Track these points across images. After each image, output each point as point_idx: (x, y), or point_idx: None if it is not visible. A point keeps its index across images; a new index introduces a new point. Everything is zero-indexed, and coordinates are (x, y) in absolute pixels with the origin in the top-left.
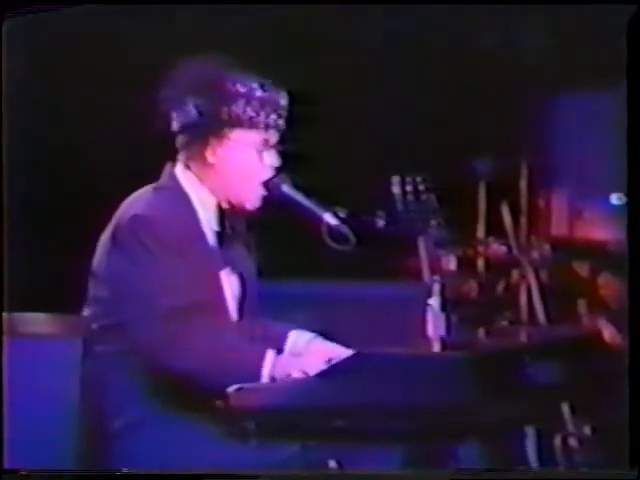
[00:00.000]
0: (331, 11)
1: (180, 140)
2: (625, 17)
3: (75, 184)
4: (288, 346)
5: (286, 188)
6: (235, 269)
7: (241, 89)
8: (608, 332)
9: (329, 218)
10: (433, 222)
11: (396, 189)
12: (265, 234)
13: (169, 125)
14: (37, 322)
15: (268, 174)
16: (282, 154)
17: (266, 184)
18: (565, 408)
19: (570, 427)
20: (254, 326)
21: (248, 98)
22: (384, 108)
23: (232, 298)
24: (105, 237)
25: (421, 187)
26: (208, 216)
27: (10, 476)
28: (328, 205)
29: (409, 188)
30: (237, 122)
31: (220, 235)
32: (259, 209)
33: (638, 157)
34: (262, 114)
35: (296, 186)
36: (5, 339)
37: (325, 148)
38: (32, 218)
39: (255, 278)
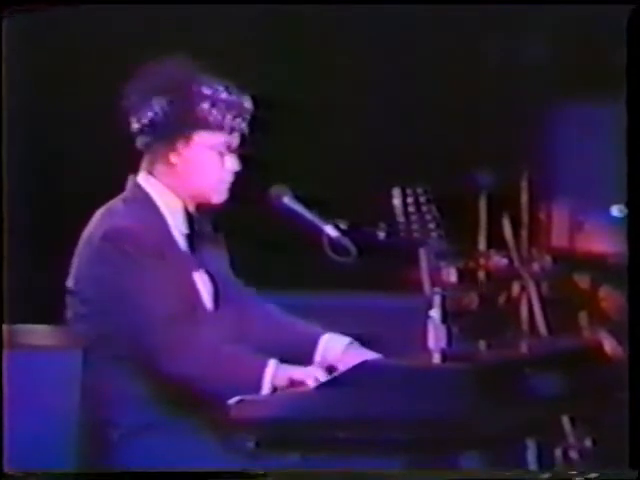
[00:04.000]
0: (329, 17)
1: (143, 141)
2: (623, 22)
3: (75, 192)
4: (319, 353)
5: (287, 200)
6: (207, 270)
7: (207, 91)
8: (609, 344)
9: (330, 230)
10: (434, 234)
11: (397, 201)
12: (265, 245)
13: (133, 121)
14: (36, 333)
15: (229, 177)
16: (280, 166)
17: (269, 196)
18: (566, 420)
19: (571, 439)
20: (278, 327)
21: (214, 100)
22: (385, 119)
23: (208, 298)
24: (82, 250)
25: (422, 199)
26: (176, 220)
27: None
28: (329, 217)
29: (410, 200)
30: (202, 124)
31: (189, 237)
32: (258, 220)
33: (638, 168)
34: (227, 117)
35: (297, 198)
36: (5, 350)
37: (326, 160)
38: (32, 229)
39: (231, 276)
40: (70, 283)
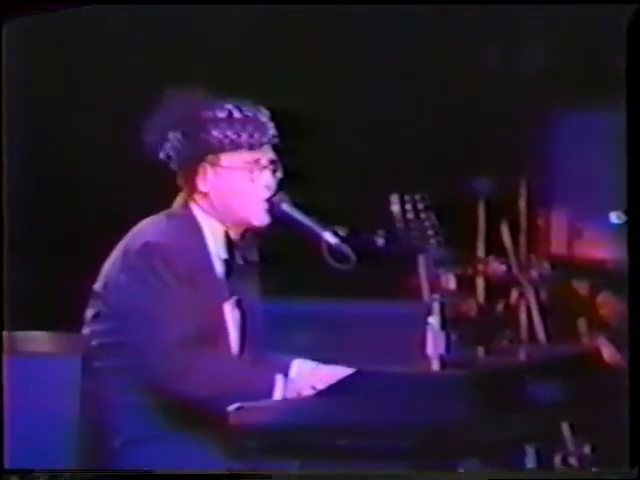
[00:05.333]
0: (329, 25)
1: (177, 174)
2: (624, 25)
3: (76, 198)
4: (292, 375)
5: (286, 206)
6: (240, 300)
7: (219, 114)
8: (607, 351)
9: (329, 237)
10: (433, 241)
11: (396, 207)
12: (264, 252)
13: (159, 157)
14: (37, 340)
15: (264, 194)
16: (282, 172)
17: (266, 202)
18: (565, 427)
19: (570, 446)
20: (256, 358)
21: (228, 121)
22: (384, 126)
23: (234, 329)
24: (114, 259)
25: (420, 205)
26: (218, 245)
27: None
28: (328, 223)
29: (409, 206)
30: (221, 146)
31: (229, 264)
32: (264, 229)
33: (638, 174)
34: (244, 134)
35: (296, 204)
36: (5, 357)
37: (325, 166)
38: (32, 236)
39: (259, 310)
40: (97, 286)
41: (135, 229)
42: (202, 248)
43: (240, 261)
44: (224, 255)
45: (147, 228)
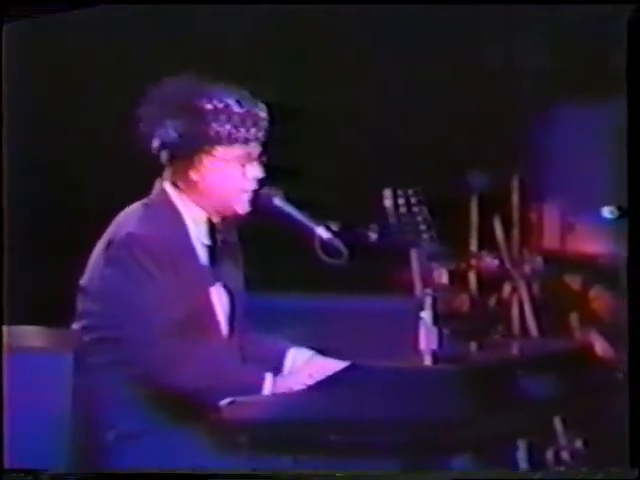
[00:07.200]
0: (323, 20)
1: (164, 158)
2: (623, 25)
3: (75, 195)
4: (287, 364)
5: (278, 201)
6: (225, 284)
7: (219, 106)
8: (600, 345)
9: (321, 231)
10: (425, 235)
11: (388, 202)
12: (257, 247)
13: (151, 144)
14: (33, 335)
15: (252, 186)
16: (272, 167)
17: (258, 197)
18: (557, 421)
19: (562, 440)
20: (249, 343)
21: (227, 114)
22: (377, 121)
23: (222, 313)
24: (97, 253)
25: (413, 200)
26: (199, 230)
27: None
28: (320, 218)
29: (401, 201)
30: (217, 139)
31: (211, 249)
32: (251, 222)
33: (637, 169)
34: (242, 129)
35: (288, 199)
36: (4, 352)
37: (317, 161)
38: (27, 232)
39: (244, 292)
40: (83, 281)
41: (115, 221)
42: (183, 234)
43: (220, 244)
44: (206, 240)
45: (126, 219)
